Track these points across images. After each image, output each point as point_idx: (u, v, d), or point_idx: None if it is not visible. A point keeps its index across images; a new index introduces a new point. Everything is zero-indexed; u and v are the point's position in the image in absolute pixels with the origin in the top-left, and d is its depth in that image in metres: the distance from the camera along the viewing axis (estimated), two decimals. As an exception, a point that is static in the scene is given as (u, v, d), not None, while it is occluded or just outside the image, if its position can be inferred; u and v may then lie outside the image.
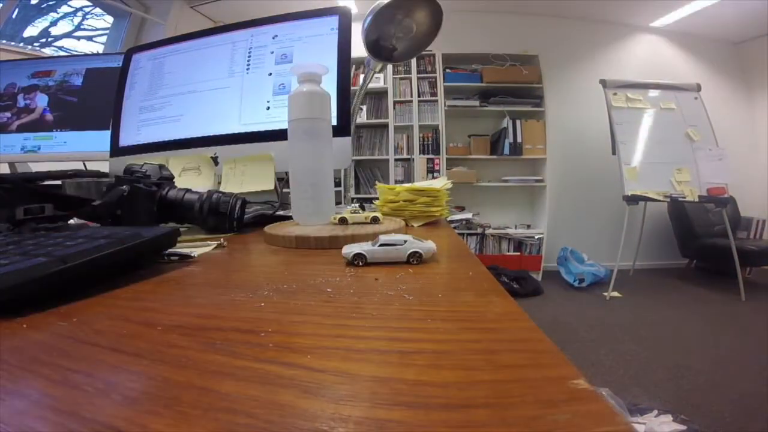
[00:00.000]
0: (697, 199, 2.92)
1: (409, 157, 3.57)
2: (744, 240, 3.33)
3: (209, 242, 0.49)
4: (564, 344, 2.12)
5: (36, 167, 1.11)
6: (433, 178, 3.41)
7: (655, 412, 1.38)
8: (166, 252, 0.41)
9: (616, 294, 2.97)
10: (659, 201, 2.95)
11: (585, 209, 3.83)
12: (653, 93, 3.22)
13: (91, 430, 0.12)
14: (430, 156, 3.56)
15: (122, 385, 0.15)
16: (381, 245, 0.37)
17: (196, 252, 0.44)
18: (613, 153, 3.13)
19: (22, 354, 0.18)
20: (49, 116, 1.10)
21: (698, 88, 3.22)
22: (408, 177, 3.54)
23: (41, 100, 1.10)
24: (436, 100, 3.53)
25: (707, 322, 2.44)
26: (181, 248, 0.43)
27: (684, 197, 2.92)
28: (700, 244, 3.41)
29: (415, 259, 0.36)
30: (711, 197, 2.93)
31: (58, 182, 0.77)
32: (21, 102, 1.10)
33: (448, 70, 3.59)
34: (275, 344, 0.19)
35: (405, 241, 0.36)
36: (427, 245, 0.37)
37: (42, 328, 0.22)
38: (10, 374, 0.16)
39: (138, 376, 0.16)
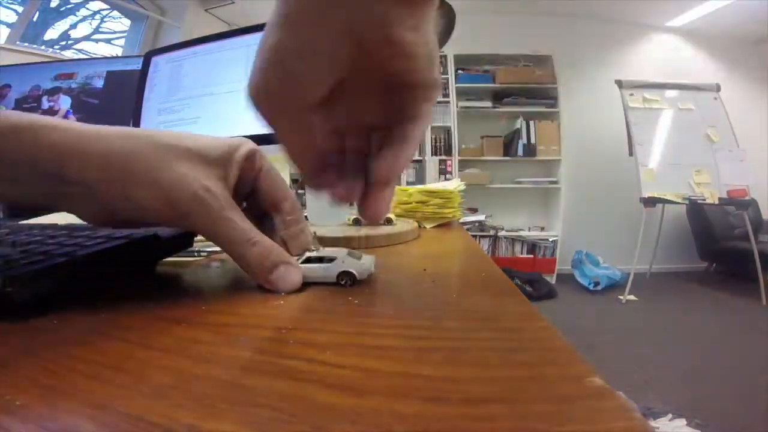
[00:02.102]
0: (717, 202, 2.86)
1: (420, 158, 3.56)
2: (766, 243, 3.24)
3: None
4: (578, 347, 2.08)
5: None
6: (446, 179, 3.41)
7: (669, 416, 1.36)
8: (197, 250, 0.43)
9: (632, 297, 2.92)
10: (678, 203, 2.89)
11: (600, 211, 3.78)
12: (671, 93, 3.16)
13: (127, 423, 0.13)
14: (442, 157, 3.55)
15: (152, 379, 0.16)
16: (305, 261, 0.30)
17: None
18: (630, 154, 3.08)
19: (54, 349, 0.19)
20: (72, 118, 1.12)
21: (717, 88, 3.15)
22: (420, 178, 3.54)
23: (64, 102, 1.13)
24: (448, 102, 3.52)
25: (725, 326, 2.38)
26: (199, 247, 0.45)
27: (703, 199, 2.86)
28: (720, 247, 3.34)
29: (347, 280, 0.29)
30: (731, 199, 2.86)
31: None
32: (45, 104, 1.13)
33: (459, 71, 3.58)
34: (295, 340, 0.19)
35: (334, 259, 0.29)
36: (361, 264, 0.29)
37: (72, 325, 0.23)
38: (44, 369, 0.17)
39: (167, 370, 0.17)
